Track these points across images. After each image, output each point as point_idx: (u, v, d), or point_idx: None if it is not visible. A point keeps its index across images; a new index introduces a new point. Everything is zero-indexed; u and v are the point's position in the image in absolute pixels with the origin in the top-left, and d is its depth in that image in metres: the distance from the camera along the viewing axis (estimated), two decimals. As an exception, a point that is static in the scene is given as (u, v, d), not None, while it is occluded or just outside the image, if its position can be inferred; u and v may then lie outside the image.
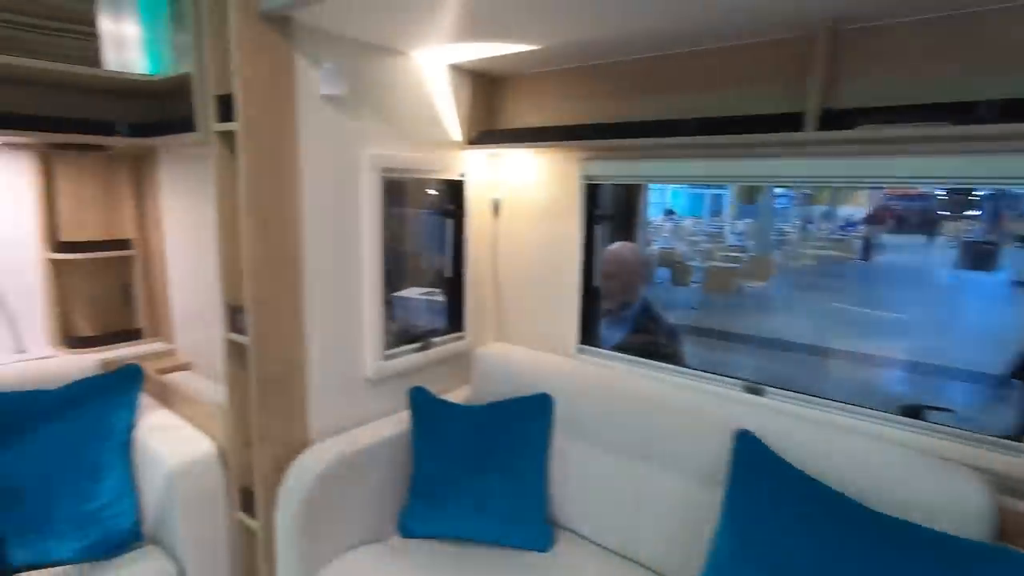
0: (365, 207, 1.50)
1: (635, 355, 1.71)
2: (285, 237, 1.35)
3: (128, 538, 1.46)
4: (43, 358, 1.78)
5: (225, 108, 1.27)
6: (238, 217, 1.29)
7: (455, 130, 1.74)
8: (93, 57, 1.59)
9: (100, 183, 1.92)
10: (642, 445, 1.44)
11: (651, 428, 1.43)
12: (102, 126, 1.62)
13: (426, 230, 1.94)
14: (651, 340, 2.08)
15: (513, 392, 1.66)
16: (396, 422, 1.59)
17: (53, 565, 1.39)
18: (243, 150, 1.24)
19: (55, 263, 1.85)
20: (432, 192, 1.92)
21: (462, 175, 1.77)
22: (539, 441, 1.57)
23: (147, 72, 1.72)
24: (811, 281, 8.80)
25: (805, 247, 11.16)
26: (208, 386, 1.73)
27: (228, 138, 1.29)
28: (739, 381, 1.51)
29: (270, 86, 1.26)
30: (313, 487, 1.33)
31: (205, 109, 1.32)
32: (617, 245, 2.08)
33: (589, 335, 1.80)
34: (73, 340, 1.87)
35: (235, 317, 1.37)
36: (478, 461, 1.53)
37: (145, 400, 1.64)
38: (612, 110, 1.59)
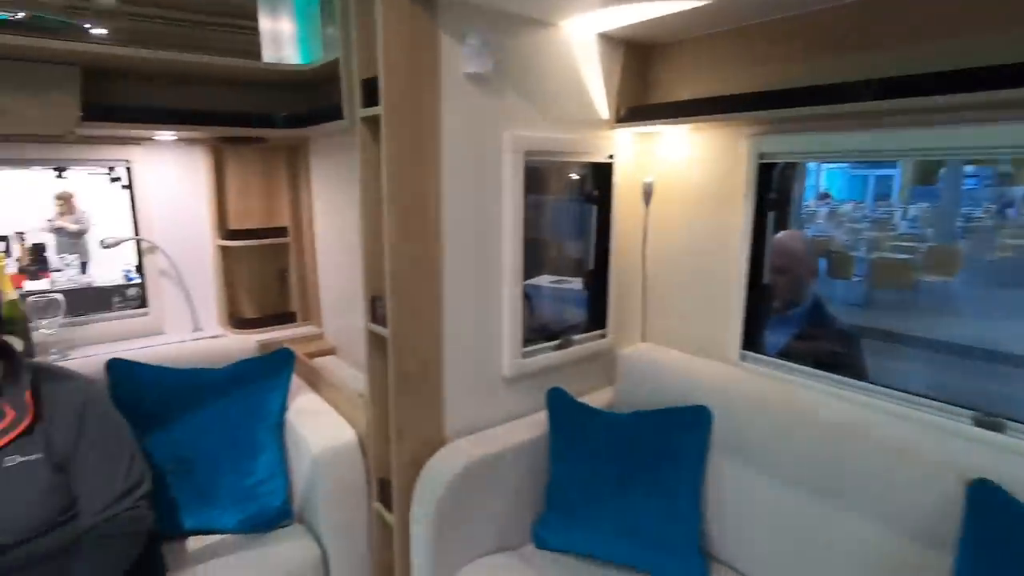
0: (507, 193, 1.39)
1: (806, 364, 1.44)
2: (425, 225, 1.28)
3: (279, 515, 1.52)
4: (214, 337, 1.93)
5: (370, 93, 1.22)
6: (381, 205, 1.24)
7: (603, 108, 1.57)
8: (255, 52, 1.66)
9: (261, 173, 2.03)
10: (829, 480, 1.19)
11: (842, 461, 1.17)
12: (263, 119, 1.69)
13: (565, 217, 1.80)
14: (823, 346, 1.76)
15: (663, 401, 1.48)
16: (533, 424, 1.49)
17: (215, 533, 1.48)
18: (386, 135, 1.18)
19: (224, 249, 2.00)
20: (573, 176, 1.77)
21: (610, 157, 1.60)
22: (694, 460, 1.37)
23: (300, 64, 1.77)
24: (1014, 277, 7.32)
25: (1003, 236, 9.34)
26: (352, 374, 1.76)
27: (372, 124, 1.25)
28: (964, 410, 1.18)
29: (414, 66, 1.19)
30: (448, 490, 1.27)
31: (351, 95, 1.29)
32: (784, 234, 1.78)
33: (754, 340, 1.55)
34: (238, 321, 2.02)
35: (376, 308, 1.34)
36: (623, 475, 1.38)
37: (295, 382, 1.71)
38: (794, 74, 1.32)
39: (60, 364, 1.25)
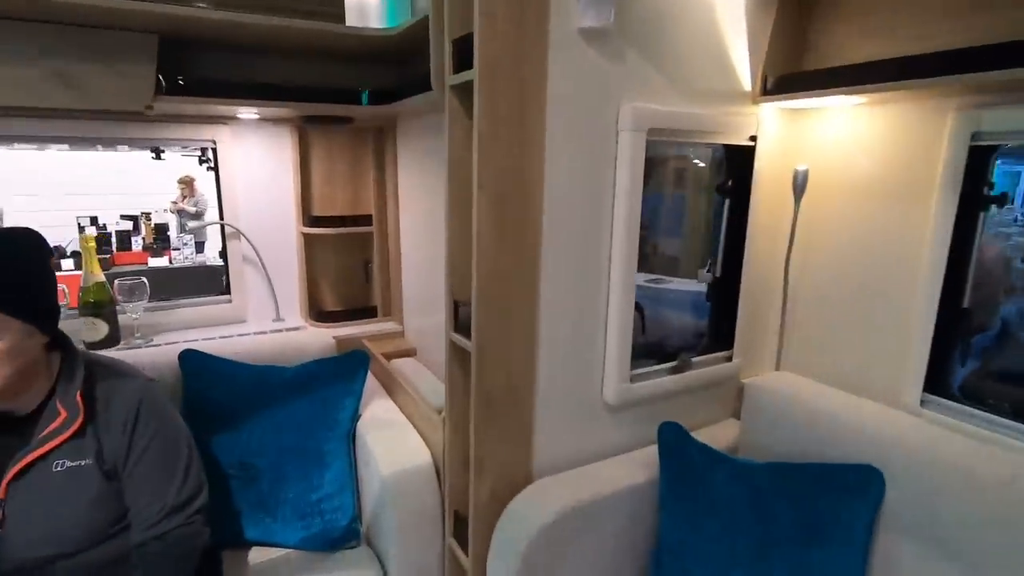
0: (622, 181, 1.12)
1: (1001, 410, 1.06)
2: (523, 218, 1.05)
3: (345, 536, 1.37)
4: (291, 329, 1.83)
5: (462, 54, 1.01)
6: (470, 192, 1.02)
7: (745, 76, 1.26)
8: (339, 15, 1.50)
9: (347, 157, 1.90)
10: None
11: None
12: (348, 94, 1.53)
13: (685, 212, 1.50)
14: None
15: (808, 451, 1.16)
16: (638, 464, 1.22)
17: (276, 547, 1.35)
18: (480, 105, 0.96)
19: (307, 237, 1.89)
20: (696, 162, 1.46)
21: (751, 139, 1.28)
22: (857, 538, 1.04)
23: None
24: None
25: None
26: (430, 381, 1.58)
27: (464, 93, 1.03)
28: None
29: (516, 18, 0.96)
30: (533, 542, 1.03)
31: (441, 59, 1.07)
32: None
33: (941, 381, 1.18)
34: (318, 313, 1.90)
35: (460, 315, 1.13)
36: (755, 543, 1.08)
37: (370, 384, 1.55)
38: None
39: (118, 359, 1.15)
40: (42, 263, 0.99)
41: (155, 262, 5.36)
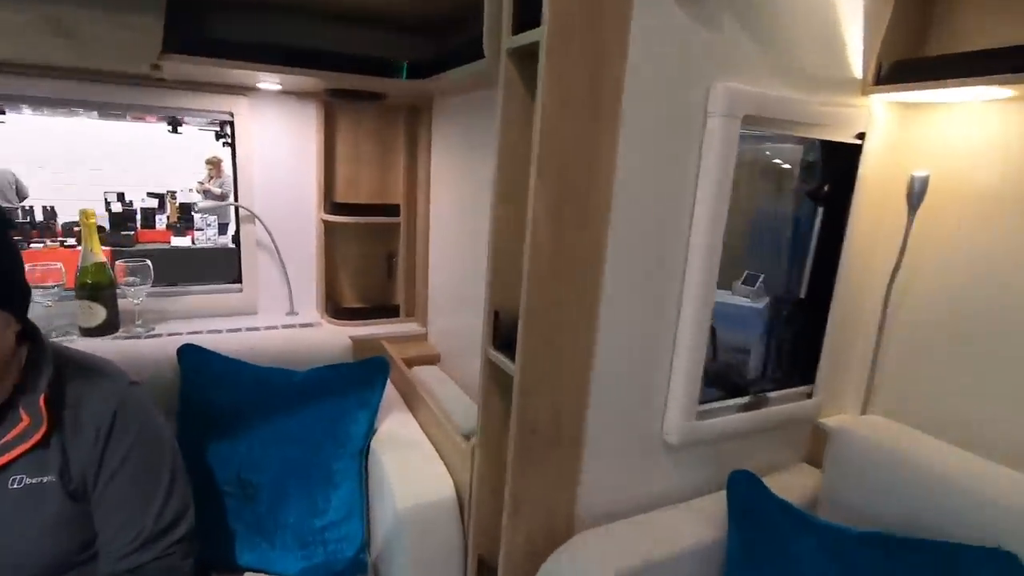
0: (708, 175, 0.92)
1: None
2: (588, 214, 0.86)
3: (350, 569, 1.19)
4: (305, 325, 1.66)
5: (527, 9, 0.81)
6: (526, 181, 0.83)
7: (856, 61, 1.05)
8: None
9: (376, 139, 1.72)
10: None
11: None
12: (384, 65, 1.34)
13: (766, 217, 1.29)
14: None
15: (912, 518, 0.95)
16: (702, 516, 1.02)
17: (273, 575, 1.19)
18: (547, 72, 0.77)
19: (328, 225, 1.72)
20: (779, 162, 1.26)
21: (859, 136, 1.07)
22: (987, 641, 0.83)
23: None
24: None
25: None
26: (457, 397, 1.39)
27: (526, 59, 0.84)
28: None
29: (599, -35, 0.76)
30: (580, 612, 0.84)
31: (497, 17, 0.88)
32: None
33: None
34: (335, 309, 1.73)
35: (500, 328, 0.94)
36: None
37: (388, 392, 1.37)
38: None
39: (95, 355, 0.98)
40: (6, 238, 0.83)
41: (177, 241, 5.30)
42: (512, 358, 0.89)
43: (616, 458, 1.01)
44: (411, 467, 1.17)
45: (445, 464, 1.18)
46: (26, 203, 5.73)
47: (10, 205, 5.56)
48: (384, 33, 1.51)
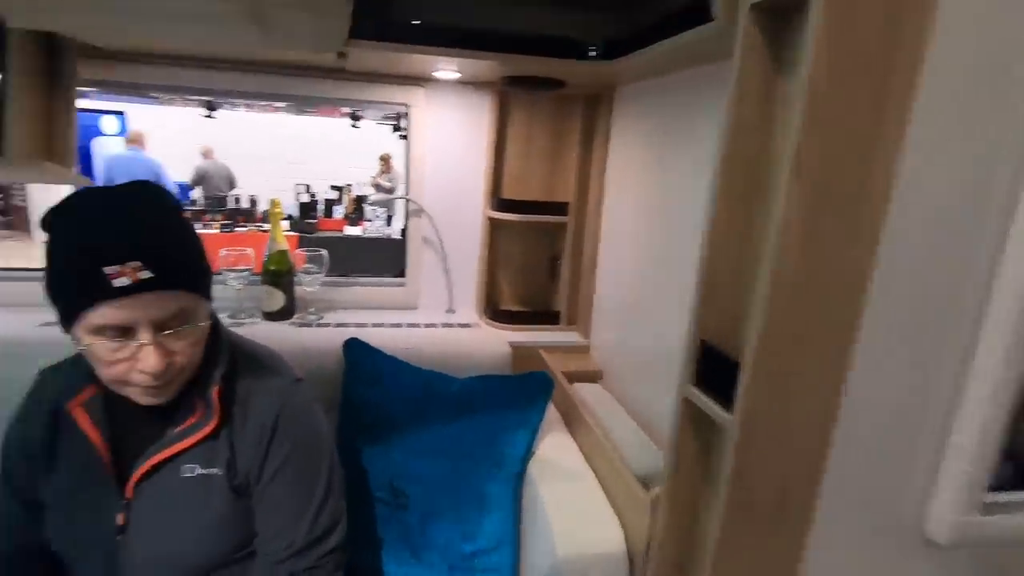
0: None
1: None
2: (855, 230, 0.62)
3: (497, 605, 1.08)
4: (464, 326, 1.59)
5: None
6: (764, 179, 0.63)
7: None
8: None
9: (549, 133, 1.60)
10: None
11: None
12: (569, 45, 1.20)
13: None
14: None
15: None
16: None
17: (418, 600, 1.11)
18: (819, 33, 0.55)
19: (493, 222, 1.63)
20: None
21: None
22: None
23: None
24: None
25: None
26: (626, 426, 1.21)
27: (775, 21, 0.63)
28: None
29: None
30: None
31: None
32: None
33: None
34: (493, 311, 1.64)
35: (709, 367, 0.74)
36: None
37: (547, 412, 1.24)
38: None
39: (264, 346, 0.96)
40: (184, 222, 0.81)
41: (350, 231, 5.80)
42: (724, 404, 0.69)
43: (853, 551, 0.75)
44: (574, 506, 1.02)
45: (614, 508, 1.00)
46: (235, 192, 6.65)
47: (223, 194, 6.49)
48: (570, 14, 1.37)
